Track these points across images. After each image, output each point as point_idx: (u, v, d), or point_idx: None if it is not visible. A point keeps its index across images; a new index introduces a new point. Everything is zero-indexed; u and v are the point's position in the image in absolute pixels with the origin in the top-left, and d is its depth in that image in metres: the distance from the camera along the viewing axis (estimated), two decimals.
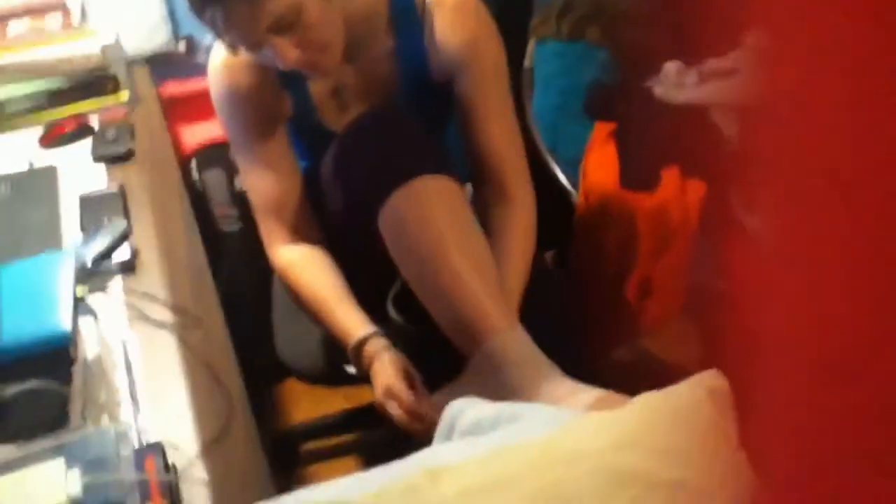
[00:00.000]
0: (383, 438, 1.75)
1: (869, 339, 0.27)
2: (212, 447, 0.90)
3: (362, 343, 1.11)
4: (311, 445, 1.69)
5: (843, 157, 0.26)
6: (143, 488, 0.76)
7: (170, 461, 0.83)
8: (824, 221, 0.27)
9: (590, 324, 1.55)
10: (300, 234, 1.22)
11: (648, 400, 0.56)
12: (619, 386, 1.30)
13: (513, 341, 0.97)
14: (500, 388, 0.94)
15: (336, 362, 1.28)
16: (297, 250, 1.20)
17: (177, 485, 0.80)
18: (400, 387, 1.05)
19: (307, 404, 1.70)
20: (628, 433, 0.49)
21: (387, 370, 1.08)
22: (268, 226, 1.22)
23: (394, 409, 1.05)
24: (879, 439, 0.27)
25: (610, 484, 0.45)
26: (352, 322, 1.13)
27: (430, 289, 1.05)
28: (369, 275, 1.22)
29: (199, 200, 1.64)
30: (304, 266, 1.19)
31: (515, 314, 1.03)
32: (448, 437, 0.74)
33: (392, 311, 1.27)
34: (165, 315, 1.06)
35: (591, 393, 0.90)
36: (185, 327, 1.03)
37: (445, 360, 1.20)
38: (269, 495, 0.90)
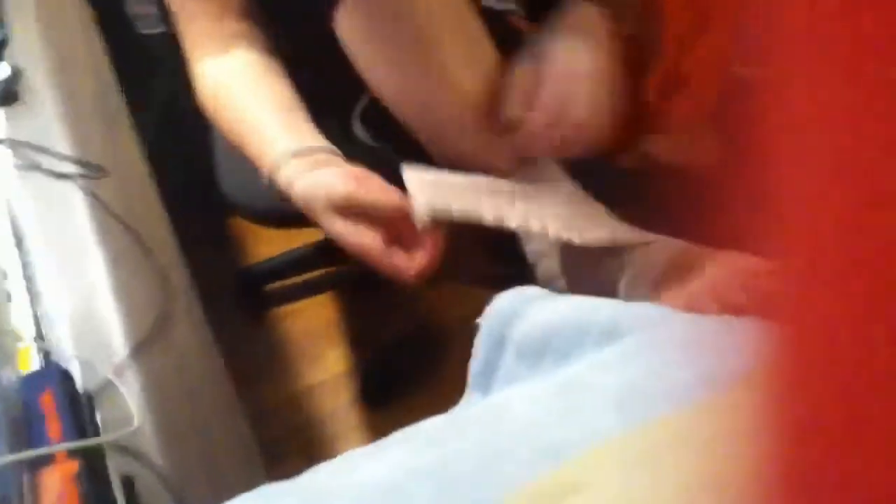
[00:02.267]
0: (358, 271, 1.54)
1: None
2: (144, 347, 0.66)
3: (277, 168, 0.76)
4: (279, 285, 1.47)
5: None
6: (38, 431, 0.52)
7: (81, 385, 0.60)
8: None
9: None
10: (238, 33, 0.87)
11: None
12: (620, 197, 1.07)
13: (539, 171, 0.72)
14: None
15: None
16: (224, 64, 0.85)
17: (92, 420, 0.57)
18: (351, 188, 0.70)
19: (266, 240, 1.46)
20: None
21: (321, 184, 0.73)
22: (193, 24, 0.89)
23: (358, 233, 0.70)
24: None
25: None
26: (274, 138, 0.78)
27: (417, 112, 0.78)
28: (327, 90, 0.93)
29: None
30: (229, 86, 0.84)
31: None
32: (497, 352, 0.50)
33: (358, 129, 1.01)
34: (69, 165, 0.78)
35: (668, 247, 0.67)
36: (92, 179, 0.76)
37: None
38: (228, 402, 0.68)
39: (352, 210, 0.71)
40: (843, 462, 0.18)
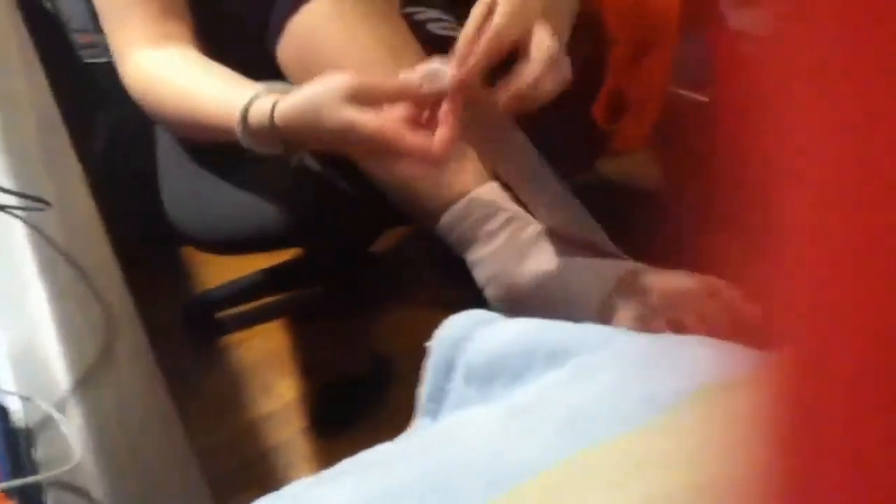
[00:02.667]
0: (310, 297, 1.53)
1: None
2: (87, 381, 0.65)
3: (248, 108, 0.75)
4: (229, 312, 1.45)
5: None
6: None
7: (21, 420, 0.58)
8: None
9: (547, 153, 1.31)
10: (176, 34, 0.86)
11: None
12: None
13: (487, 195, 0.72)
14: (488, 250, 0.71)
15: (241, 225, 1.01)
16: (162, 53, 0.85)
17: (30, 458, 0.55)
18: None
19: (216, 267, 1.44)
20: None
21: (329, 81, 0.69)
22: (125, 23, 0.86)
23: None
24: None
25: None
26: (234, 91, 0.77)
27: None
28: None
29: (51, 28, 1.29)
30: (170, 65, 0.84)
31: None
32: (447, 376, 0.50)
33: (307, 157, 1.01)
34: (10, 198, 0.76)
35: (616, 268, 0.67)
36: (34, 211, 0.75)
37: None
38: (174, 437, 0.67)
39: (368, 99, 0.67)
40: (842, 465, 0.18)
